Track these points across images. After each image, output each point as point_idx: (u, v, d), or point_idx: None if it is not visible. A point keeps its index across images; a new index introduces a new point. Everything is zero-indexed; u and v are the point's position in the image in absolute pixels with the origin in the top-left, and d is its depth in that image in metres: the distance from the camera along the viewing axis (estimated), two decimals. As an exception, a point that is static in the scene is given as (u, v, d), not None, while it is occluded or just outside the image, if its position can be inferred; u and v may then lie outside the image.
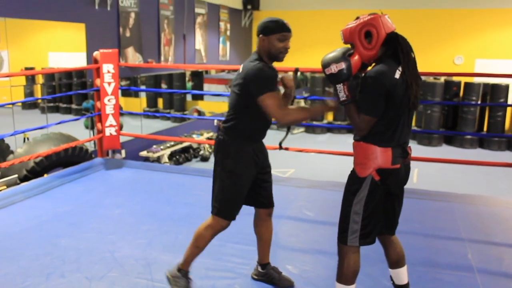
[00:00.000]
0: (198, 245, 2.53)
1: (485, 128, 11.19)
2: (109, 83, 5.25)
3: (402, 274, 2.47)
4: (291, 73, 2.42)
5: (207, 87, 12.12)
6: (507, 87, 10.70)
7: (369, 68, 2.25)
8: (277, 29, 2.38)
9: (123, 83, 8.48)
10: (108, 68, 5.22)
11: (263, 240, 2.73)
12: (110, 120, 5.34)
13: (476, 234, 3.59)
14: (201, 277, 2.78)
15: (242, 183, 2.49)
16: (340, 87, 2.20)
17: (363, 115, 2.15)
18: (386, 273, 2.82)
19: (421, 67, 2.37)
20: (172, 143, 8.78)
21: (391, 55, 2.17)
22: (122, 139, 5.71)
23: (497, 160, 4.88)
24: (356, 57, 2.19)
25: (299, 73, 3.82)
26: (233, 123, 2.47)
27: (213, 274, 2.86)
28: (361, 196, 2.20)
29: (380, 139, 2.18)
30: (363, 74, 2.21)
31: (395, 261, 2.45)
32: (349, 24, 2.22)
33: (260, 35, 2.42)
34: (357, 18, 2.22)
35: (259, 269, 2.78)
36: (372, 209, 2.21)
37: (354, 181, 2.23)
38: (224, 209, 2.48)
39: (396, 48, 2.17)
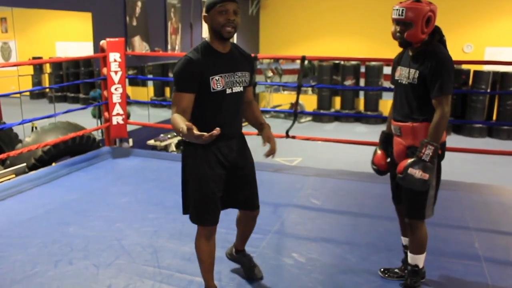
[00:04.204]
0: (200, 258, 2.34)
1: (494, 117, 11.06)
2: (116, 72, 5.25)
3: None
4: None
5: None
6: (517, 75, 10.58)
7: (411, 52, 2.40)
8: (215, 2, 2.14)
9: (130, 72, 8.47)
10: (115, 57, 5.23)
11: (243, 235, 2.65)
12: (117, 109, 5.35)
13: (483, 223, 3.57)
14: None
15: (204, 184, 2.21)
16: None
17: (448, 95, 2.27)
18: (393, 260, 2.82)
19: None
20: (179, 132, 8.78)
21: (440, 41, 2.36)
22: (129, 128, 5.73)
23: (506, 149, 4.84)
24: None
25: (306, 62, 3.81)
26: (190, 119, 2.14)
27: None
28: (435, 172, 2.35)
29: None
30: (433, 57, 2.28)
31: None
32: (408, 2, 2.29)
33: (204, 15, 2.20)
34: (418, 1, 2.30)
35: (233, 252, 2.76)
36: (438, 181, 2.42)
37: None
38: (196, 215, 2.26)
39: (441, 38, 2.38)
